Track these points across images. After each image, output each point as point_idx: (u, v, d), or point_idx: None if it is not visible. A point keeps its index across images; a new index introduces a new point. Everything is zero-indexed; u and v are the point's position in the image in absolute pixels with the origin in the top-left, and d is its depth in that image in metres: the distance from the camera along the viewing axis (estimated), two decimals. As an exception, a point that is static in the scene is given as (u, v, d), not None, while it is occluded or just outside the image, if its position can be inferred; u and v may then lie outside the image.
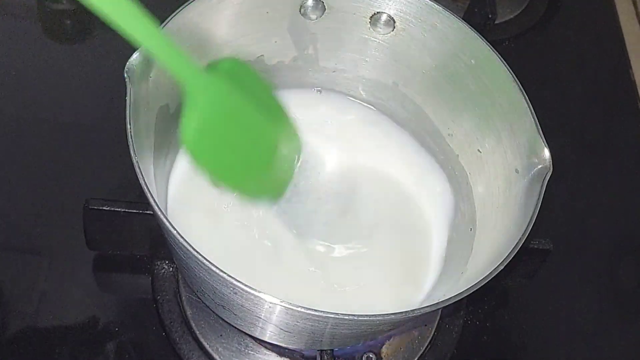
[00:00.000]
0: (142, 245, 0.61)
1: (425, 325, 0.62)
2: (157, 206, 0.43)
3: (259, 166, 0.54)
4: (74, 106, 0.71)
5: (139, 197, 0.53)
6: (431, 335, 0.62)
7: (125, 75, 0.46)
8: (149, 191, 0.43)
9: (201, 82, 0.45)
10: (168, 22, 0.50)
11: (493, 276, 0.45)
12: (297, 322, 0.45)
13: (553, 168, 0.50)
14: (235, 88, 0.49)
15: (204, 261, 0.41)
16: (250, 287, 0.41)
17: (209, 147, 0.48)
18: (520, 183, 0.52)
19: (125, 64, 0.46)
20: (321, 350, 0.55)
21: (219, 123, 0.48)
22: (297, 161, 0.59)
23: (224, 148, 0.49)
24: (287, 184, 0.58)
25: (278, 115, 0.55)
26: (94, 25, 0.76)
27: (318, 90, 0.65)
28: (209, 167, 0.49)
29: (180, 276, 0.61)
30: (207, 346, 0.58)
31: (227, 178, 0.51)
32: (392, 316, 0.44)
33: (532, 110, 0.52)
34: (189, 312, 0.59)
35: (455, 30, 0.56)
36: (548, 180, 0.49)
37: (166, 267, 0.61)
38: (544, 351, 0.67)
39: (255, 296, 0.42)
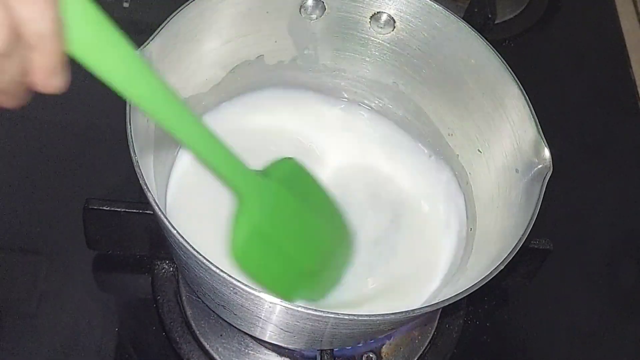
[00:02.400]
0: (142, 245, 0.61)
1: (425, 325, 0.62)
2: (157, 206, 0.43)
3: (309, 271, 0.52)
4: (74, 106, 0.70)
5: (139, 197, 0.53)
6: (431, 335, 0.62)
7: (125, 75, 0.46)
8: (149, 191, 0.43)
9: (255, 190, 0.43)
10: (168, 21, 0.50)
11: (493, 276, 0.45)
12: (297, 322, 0.45)
13: (553, 168, 0.50)
14: (290, 194, 0.47)
15: (204, 261, 0.41)
16: (250, 287, 0.41)
17: (259, 258, 0.46)
18: (520, 183, 0.52)
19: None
20: (321, 350, 0.55)
21: (271, 233, 0.46)
22: (347, 267, 0.56)
23: (274, 257, 0.48)
24: (333, 287, 0.55)
25: (332, 216, 0.53)
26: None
27: (318, 90, 0.65)
28: (258, 278, 0.47)
29: (180, 276, 0.61)
30: (207, 346, 0.58)
31: (277, 286, 0.48)
32: (392, 316, 0.44)
33: (532, 110, 0.52)
34: (189, 312, 0.59)
35: (455, 30, 0.56)
36: (548, 180, 0.49)
37: (166, 267, 0.61)
38: (544, 351, 0.67)
39: (256, 296, 0.42)
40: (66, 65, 0.32)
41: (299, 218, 0.49)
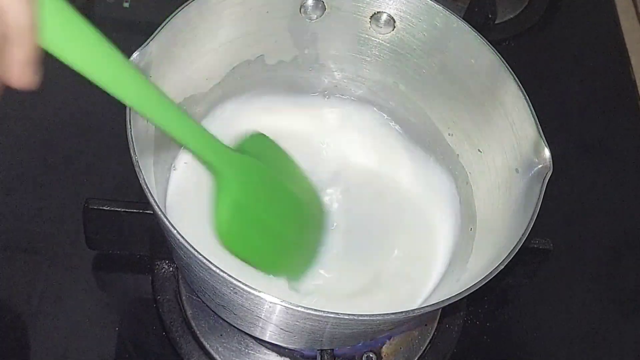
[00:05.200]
0: (142, 245, 0.61)
1: (425, 325, 0.62)
2: (157, 206, 0.43)
3: (291, 244, 0.52)
4: (74, 106, 0.71)
5: (139, 197, 0.53)
6: (431, 335, 0.62)
7: (126, 75, 0.46)
8: (149, 191, 0.43)
9: (232, 165, 0.43)
10: (168, 21, 0.50)
11: (493, 276, 0.45)
12: (297, 322, 0.45)
13: (553, 168, 0.50)
14: (264, 167, 0.47)
15: (204, 261, 0.41)
16: (250, 287, 0.41)
17: (242, 233, 0.47)
18: (520, 183, 0.52)
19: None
20: (321, 350, 0.55)
21: (251, 207, 0.46)
22: (322, 241, 0.57)
23: (256, 231, 0.48)
24: (311, 263, 0.56)
25: (304, 189, 0.54)
26: (93, 25, 0.76)
27: (318, 90, 0.65)
28: (242, 253, 0.48)
29: (180, 276, 0.61)
30: (207, 346, 0.58)
31: (259, 261, 0.49)
32: (392, 316, 0.44)
33: (532, 110, 0.52)
34: (189, 312, 0.59)
35: (455, 30, 0.56)
36: (548, 180, 0.49)
37: (166, 267, 0.61)
38: (544, 351, 0.67)
39: (256, 296, 0.42)
40: (40, 60, 0.33)
41: (275, 191, 0.50)
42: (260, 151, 0.49)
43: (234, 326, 0.56)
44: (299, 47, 0.61)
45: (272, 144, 0.53)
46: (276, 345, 0.57)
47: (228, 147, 0.44)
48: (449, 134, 0.61)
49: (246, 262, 0.49)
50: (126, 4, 0.77)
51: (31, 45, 0.31)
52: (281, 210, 0.51)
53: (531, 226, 0.47)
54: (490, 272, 0.45)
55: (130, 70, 0.36)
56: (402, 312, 0.43)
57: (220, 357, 0.58)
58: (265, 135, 0.54)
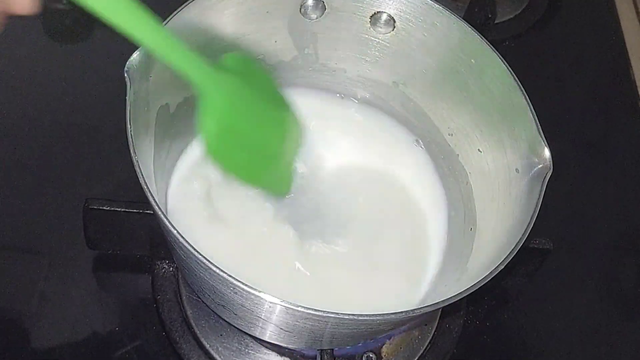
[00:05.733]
0: (142, 245, 0.61)
1: (425, 325, 0.62)
2: (157, 206, 0.43)
3: (272, 157, 0.54)
4: (74, 106, 0.71)
5: (139, 197, 0.53)
6: (431, 335, 0.62)
7: (126, 74, 0.46)
8: (149, 191, 0.43)
9: (215, 82, 0.44)
10: (168, 21, 0.50)
11: (493, 276, 0.45)
12: (297, 321, 0.45)
13: (553, 168, 0.50)
14: (245, 83, 0.49)
15: (204, 261, 0.41)
16: (250, 287, 0.41)
17: (228, 147, 0.48)
18: (520, 183, 0.52)
19: (125, 64, 0.46)
20: (321, 350, 0.55)
21: (235, 121, 0.48)
22: (299, 150, 0.60)
23: (241, 145, 0.50)
24: (292, 176, 0.58)
25: (282, 106, 0.55)
26: (94, 25, 0.76)
27: (318, 90, 0.65)
28: (229, 167, 0.49)
29: (180, 276, 0.61)
30: (207, 346, 0.58)
31: (245, 174, 0.51)
32: (392, 316, 0.44)
33: (532, 110, 0.52)
34: (189, 312, 0.59)
35: (455, 30, 0.56)
36: (548, 180, 0.49)
37: (166, 267, 0.61)
38: (544, 351, 0.67)
39: (256, 296, 0.42)
40: None
41: (255, 106, 0.51)
42: (241, 69, 0.49)
43: (234, 326, 0.56)
44: (299, 47, 0.61)
45: (250, 61, 0.54)
46: (276, 345, 0.57)
47: (210, 64, 0.45)
48: (449, 134, 0.61)
49: (232, 175, 0.51)
50: (126, 4, 0.77)
51: None
52: (262, 124, 0.52)
53: (531, 226, 0.47)
54: (490, 272, 0.45)
55: None
56: (402, 312, 0.43)
57: (220, 357, 0.58)
58: (243, 54, 0.55)
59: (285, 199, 0.59)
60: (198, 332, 0.59)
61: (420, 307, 0.44)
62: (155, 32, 0.40)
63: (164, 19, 0.50)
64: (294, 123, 0.58)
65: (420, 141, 0.64)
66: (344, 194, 0.61)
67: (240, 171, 0.51)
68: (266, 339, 0.53)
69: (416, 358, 0.61)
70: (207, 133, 0.45)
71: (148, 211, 0.56)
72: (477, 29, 0.55)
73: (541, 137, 0.51)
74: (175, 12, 0.51)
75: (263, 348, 0.59)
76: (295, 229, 0.58)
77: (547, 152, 0.50)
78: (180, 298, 0.60)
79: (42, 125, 0.69)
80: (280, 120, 0.55)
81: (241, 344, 0.59)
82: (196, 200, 0.58)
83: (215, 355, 0.58)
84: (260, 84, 0.53)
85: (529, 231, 0.47)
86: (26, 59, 0.73)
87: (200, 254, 0.41)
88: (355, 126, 0.65)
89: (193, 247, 0.41)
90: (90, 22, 0.76)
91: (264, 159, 0.53)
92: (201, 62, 0.43)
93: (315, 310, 0.42)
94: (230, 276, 0.41)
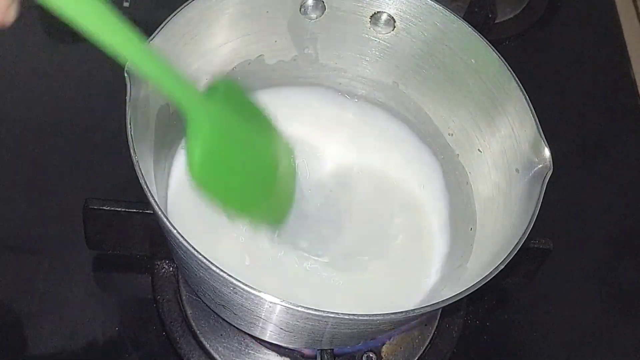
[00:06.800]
0: (142, 245, 0.61)
1: (425, 325, 0.62)
2: (157, 206, 0.43)
3: (263, 188, 0.53)
4: (74, 106, 0.70)
5: (139, 197, 0.53)
6: (431, 335, 0.62)
7: (126, 75, 0.46)
8: (149, 191, 0.43)
9: (203, 110, 0.44)
10: (168, 21, 0.50)
11: (493, 276, 0.45)
12: (297, 321, 0.45)
13: (553, 168, 0.50)
14: (233, 110, 0.48)
15: (204, 261, 0.41)
16: (250, 287, 0.41)
17: (216, 174, 0.47)
18: (520, 183, 0.52)
19: (125, 64, 0.46)
20: (321, 350, 0.55)
21: (222, 148, 0.47)
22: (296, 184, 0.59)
23: (229, 174, 0.49)
24: (290, 205, 0.57)
25: (272, 134, 0.55)
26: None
27: (318, 90, 0.65)
28: (218, 196, 0.48)
29: (180, 276, 0.61)
30: (207, 346, 0.58)
31: (234, 203, 0.50)
32: (392, 316, 0.44)
33: (533, 110, 0.52)
34: (189, 312, 0.59)
35: (455, 30, 0.56)
36: (548, 180, 0.49)
37: (166, 267, 0.61)
38: (544, 351, 0.67)
39: (256, 296, 0.42)
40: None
41: (245, 133, 0.51)
42: (229, 96, 0.49)
43: (234, 326, 0.56)
44: (299, 47, 0.61)
45: (238, 89, 0.53)
46: (276, 345, 0.57)
47: (199, 91, 0.45)
48: (449, 134, 0.61)
49: (220, 203, 0.50)
50: (126, 3, 0.77)
51: None
52: (250, 152, 0.52)
53: (531, 226, 0.47)
54: (490, 272, 0.45)
55: (102, 8, 0.37)
56: (402, 312, 0.43)
57: (220, 357, 0.58)
58: (231, 81, 0.55)
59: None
60: (198, 332, 0.59)
61: (420, 307, 0.44)
62: (143, 54, 0.39)
63: (164, 19, 0.50)
64: (286, 151, 0.57)
65: (420, 141, 0.64)
66: (344, 194, 0.61)
67: (228, 199, 0.49)
68: (266, 339, 0.53)
69: (416, 358, 0.61)
70: (192, 159, 0.44)
71: (148, 211, 0.56)
72: (477, 29, 0.55)
73: (541, 137, 0.51)
74: (175, 12, 0.51)
75: (263, 348, 0.59)
76: (296, 228, 0.58)
77: (547, 152, 0.50)
78: (180, 298, 0.60)
79: (42, 125, 0.69)
80: (270, 148, 0.54)
81: (241, 344, 0.59)
82: (196, 200, 0.58)
83: (215, 355, 0.58)
84: (250, 111, 0.52)
85: (529, 231, 0.47)
86: (26, 59, 0.73)
87: (201, 254, 0.41)
88: (354, 126, 0.65)
89: (193, 247, 0.41)
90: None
91: (254, 187, 0.52)
92: (190, 87, 0.43)
93: (315, 310, 0.42)
94: (230, 276, 0.41)
